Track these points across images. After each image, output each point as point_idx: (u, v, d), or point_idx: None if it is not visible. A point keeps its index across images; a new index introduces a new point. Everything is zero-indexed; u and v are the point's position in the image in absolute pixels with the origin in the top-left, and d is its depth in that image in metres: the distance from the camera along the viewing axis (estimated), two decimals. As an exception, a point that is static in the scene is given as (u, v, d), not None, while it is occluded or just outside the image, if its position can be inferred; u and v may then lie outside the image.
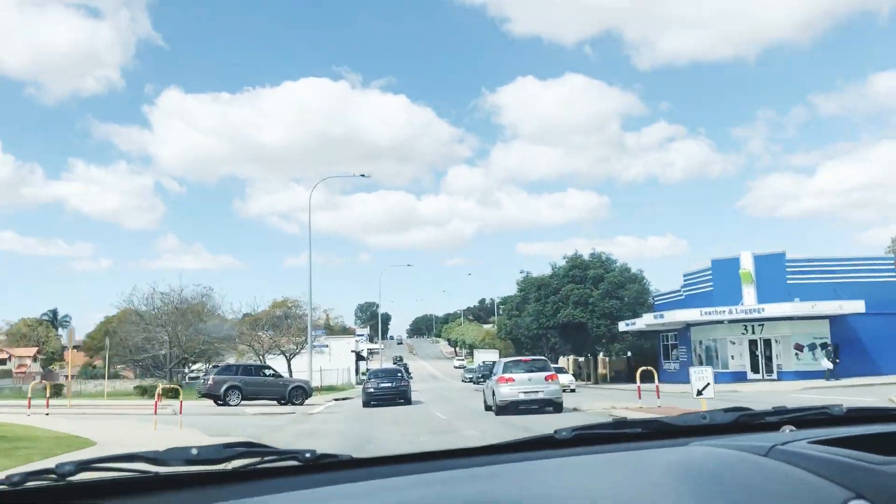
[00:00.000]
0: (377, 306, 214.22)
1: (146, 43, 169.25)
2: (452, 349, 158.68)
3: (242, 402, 32.54)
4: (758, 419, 1.86)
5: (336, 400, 40.67)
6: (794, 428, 1.75)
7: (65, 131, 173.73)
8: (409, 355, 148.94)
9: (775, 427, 1.79)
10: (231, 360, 45.95)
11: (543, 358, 23.44)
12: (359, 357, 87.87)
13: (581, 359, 60.67)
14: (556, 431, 1.71)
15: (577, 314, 53.06)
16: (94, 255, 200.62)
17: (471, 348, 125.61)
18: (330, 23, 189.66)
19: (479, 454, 1.61)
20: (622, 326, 50.65)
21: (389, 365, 64.27)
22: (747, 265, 42.54)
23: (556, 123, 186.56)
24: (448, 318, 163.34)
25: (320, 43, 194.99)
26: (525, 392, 20.57)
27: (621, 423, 1.90)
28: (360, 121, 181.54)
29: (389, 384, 31.23)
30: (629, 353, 56.87)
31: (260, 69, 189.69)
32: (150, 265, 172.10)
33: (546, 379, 21.04)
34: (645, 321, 46.78)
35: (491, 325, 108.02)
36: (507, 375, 21.07)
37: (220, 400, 32.63)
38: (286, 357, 57.59)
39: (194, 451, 1.42)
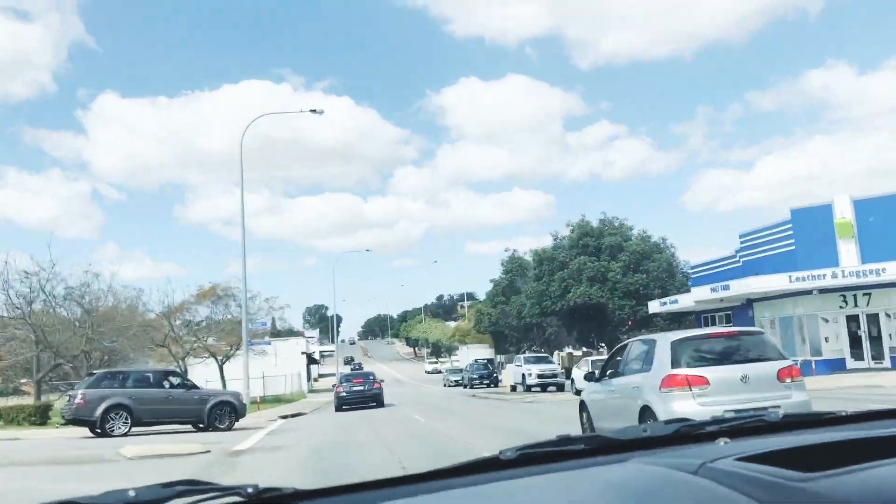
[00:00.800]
0: (326, 308, 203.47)
1: (79, 46, 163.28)
2: (411, 349, 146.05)
3: (134, 430, 20.59)
4: (696, 430, 1.88)
5: (284, 417, 28.05)
6: (728, 440, 1.75)
7: None
8: (364, 358, 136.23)
9: (713, 437, 1.81)
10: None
11: (760, 331, 11.08)
12: (311, 360, 74.83)
13: (592, 351, 48.77)
14: (500, 452, 1.70)
15: (594, 293, 41.32)
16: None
17: (435, 347, 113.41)
18: (271, 25, 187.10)
19: (423, 480, 1.60)
20: (654, 307, 39.13)
21: (357, 369, 60.66)
22: (845, 212, 31.29)
23: (501, 124, 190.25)
24: (406, 316, 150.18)
25: (261, 45, 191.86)
26: (737, 405, 8.51)
27: (565, 439, 1.85)
28: (303, 123, 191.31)
29: (362, 387, 30.50)
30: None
31: (199, 72, 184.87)
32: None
33: (780, 377, 9.05)
34: (696, 296, 35.22)
35: (461, 321, 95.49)
36: (692, 372, 8.96)
37: (97, 427, 20.19)
38: (217, 361, 44.47)
39: (132, 493, 1.42)
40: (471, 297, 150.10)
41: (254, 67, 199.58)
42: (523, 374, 33.68)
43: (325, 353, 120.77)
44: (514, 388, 35.46)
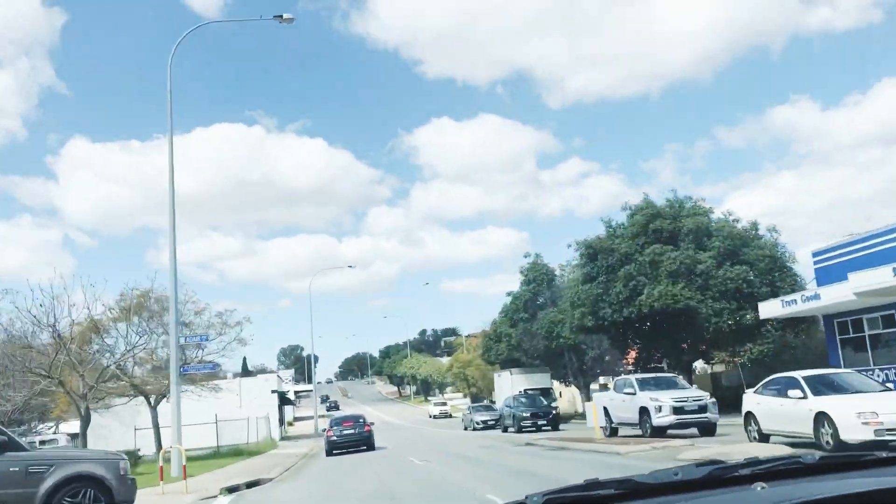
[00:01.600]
0: (301, 349, 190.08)
1: (49, 91, 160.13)
2: (395, 388, 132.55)
3: None
4: (729, 473, 1.84)
5: (232, 490, 15.73)
6: (765, 485, 1.72)
7: None
8: (344, 399, 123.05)
9: (748, 481, 1.78)
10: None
11: None
12: (284, 400, 62.00)
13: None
14: (527, 497, 1.72)
15: (680, 293, 29.38)
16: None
17: (424, 385, 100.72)
18: (242, 67, 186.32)
19: None
20: (770, 309, 27.41)
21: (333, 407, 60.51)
22: None
23: (474, 163, 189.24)
24: (389, 352, 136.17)
25: (233, 88, 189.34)
26: None
27: (593, 484, 1.83)
28: (277, 165, 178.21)
29: (352, 431, 29.85)
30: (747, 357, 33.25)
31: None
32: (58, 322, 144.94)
33: None
34: (856, 284, 23.42)
35: (459, 351, 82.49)
36: None
37: None
38: (149, 402, 31.83)
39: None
40: (454, 332, 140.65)
41: (226, 110, 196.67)
42: (644, 409, 21.00)
43: (300, 394, 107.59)
44: (613, 432, 23.16)
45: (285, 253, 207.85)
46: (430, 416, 67.54)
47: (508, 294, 47.33)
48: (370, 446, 29.33)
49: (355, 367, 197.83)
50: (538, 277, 44.65)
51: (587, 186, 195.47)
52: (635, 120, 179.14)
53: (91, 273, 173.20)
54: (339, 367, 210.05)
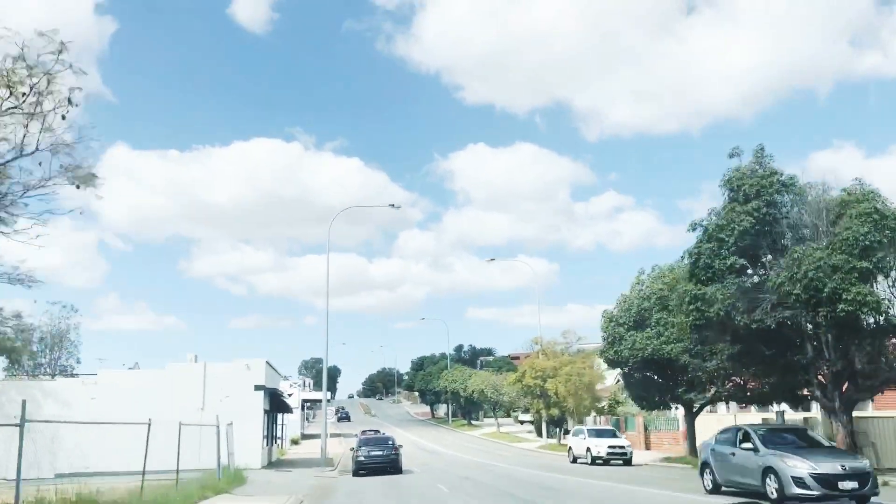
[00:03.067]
0: (322, 362, 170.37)
1: (95, 98, 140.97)
2: (427, 409, 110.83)
3: None
4: None
5: None
6: None
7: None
8: (367, 418, 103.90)
9: None
10: None
11: None
12: (278, 404, 42.94)
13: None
14: None
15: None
16: (31, 312, 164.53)
17: (470, 405, 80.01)
18: (283, 84, 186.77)
19: None
20: None
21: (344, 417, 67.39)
22: None
23: (507, 190, 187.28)
24: (423, 363, 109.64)
25: (274, 103, 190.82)
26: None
27: None
28: (312, 182, 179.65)
29: (380, 452, 30.35)
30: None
31: (210, 128, 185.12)
32: (90, 325, 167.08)
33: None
34: None
35: (530, 355, 58.31)
36: None
37: None
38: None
39: None
40: (489, 352, 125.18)
41: (265, 125, 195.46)
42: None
43: (311, 404, 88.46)
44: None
45: (315, 270, 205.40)
46: (575, 460, 35.59)
47: (694, 227, 23.82)
48: (397, 469, 29.82)
49: (380, 384, 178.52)
50: (762, 191, 23.27)
51: (621, 221, 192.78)
52: (673, 157, 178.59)
53: (124, 278, 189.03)
54: (363, 384, 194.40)
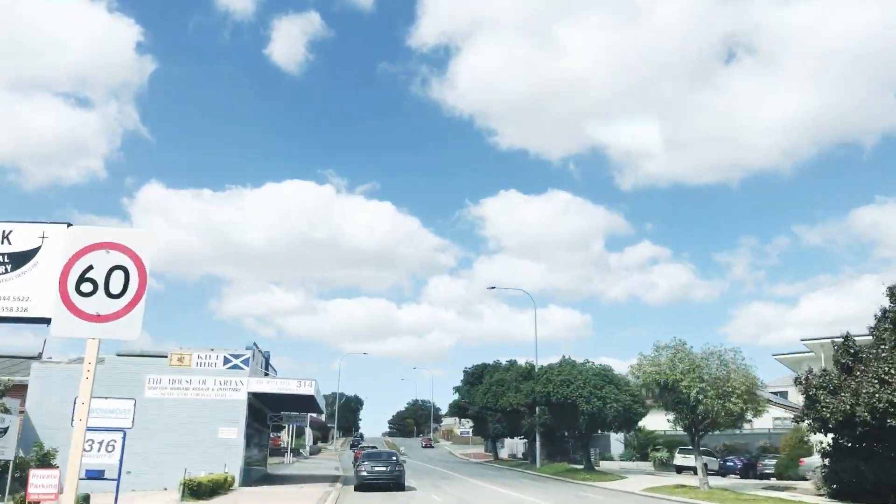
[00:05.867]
0: (343, 396, 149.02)
1: (132, 135, 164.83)
2: (481, 448, 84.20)
3: None
4: None
5: None
6: None
7: (42, 218, 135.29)
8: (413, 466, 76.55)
9: None
10: None
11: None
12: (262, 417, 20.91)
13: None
14: None
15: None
16: (62, 350, 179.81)
17: (592, 426, 51.59)
18: (316, 126, 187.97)
19: None
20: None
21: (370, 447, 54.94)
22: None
23: (540, 238, 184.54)
24: (484, 372, 70.71)
25: (306, 145, 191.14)
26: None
27: None
28: (343, 225, 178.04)
29: (384, 468, 31.23)
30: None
31: (243, 168, 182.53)
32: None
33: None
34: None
35: None
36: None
37: None
38: None
39: None
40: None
41: (298, 166, 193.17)
42: None
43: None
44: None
45: (344, 313, 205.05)
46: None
47: None
48: (399, 486, 30.78)
49: (410, 420, 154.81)
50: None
51: (656, 273, 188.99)
52: (711, 208, 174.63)
53: (154, 316, 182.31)
54: (389, 423, 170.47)
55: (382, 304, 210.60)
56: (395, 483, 30.62)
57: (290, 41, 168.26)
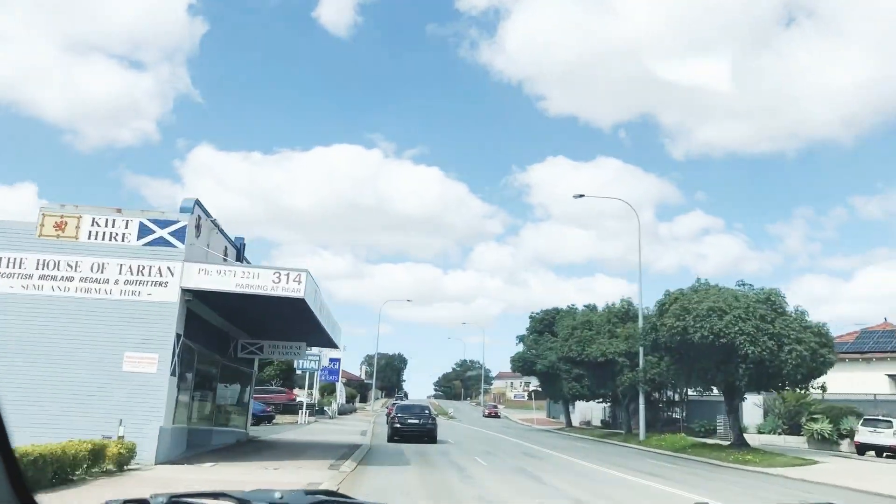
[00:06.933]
0: (386, 355, 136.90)
1: (184, 98, 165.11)
2: (556, 420, 69.46)
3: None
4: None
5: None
6: None
7: (97, 180, 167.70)
8: (450, 424, 63.49)
9: None
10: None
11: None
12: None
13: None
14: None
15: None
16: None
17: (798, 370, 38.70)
18: (364, 90, 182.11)
19: None
20: None
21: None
22: None
23: (588, 207, 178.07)
24: (556, 318, 56.12)
25: (356, 109, 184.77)
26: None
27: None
28: (391, 190, 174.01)
29: (416, 420, 31.15)
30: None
31: (292, 132, 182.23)
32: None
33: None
34: None
35: None
36: None
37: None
38: None
39: (277, 495, 1.60)
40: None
41: (346, 130, 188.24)
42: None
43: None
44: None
45: (390, 278, 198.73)
46: None
47: None
48: (432, 439, 30.57)
49: (458, 383, 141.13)
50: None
51: (707, 244, 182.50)
52: (765, 179, 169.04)
53: None
54: (435, 386, 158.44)
55: (428, 270, 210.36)
56: (427, 436, 30.43)
57: (339, 4, 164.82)
